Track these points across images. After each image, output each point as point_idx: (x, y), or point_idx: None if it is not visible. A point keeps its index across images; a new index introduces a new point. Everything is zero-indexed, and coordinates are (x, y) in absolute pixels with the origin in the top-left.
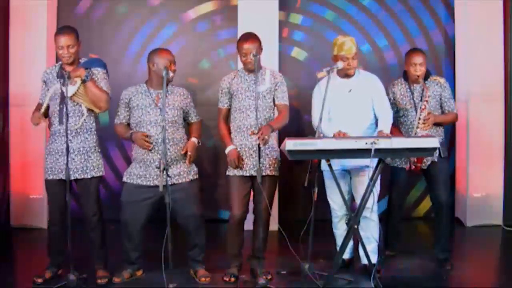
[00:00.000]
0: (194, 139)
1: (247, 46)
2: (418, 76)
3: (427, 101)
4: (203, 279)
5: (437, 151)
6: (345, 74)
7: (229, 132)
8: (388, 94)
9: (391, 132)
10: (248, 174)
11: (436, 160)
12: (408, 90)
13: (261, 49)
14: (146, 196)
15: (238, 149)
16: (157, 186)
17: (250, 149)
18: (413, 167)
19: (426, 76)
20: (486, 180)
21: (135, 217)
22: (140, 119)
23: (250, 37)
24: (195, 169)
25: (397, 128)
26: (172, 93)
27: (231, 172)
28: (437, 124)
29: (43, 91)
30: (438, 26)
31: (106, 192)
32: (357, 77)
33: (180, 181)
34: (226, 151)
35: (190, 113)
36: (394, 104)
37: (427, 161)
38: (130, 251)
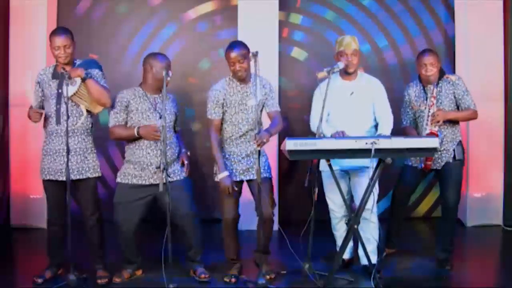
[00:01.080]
0: (184, 150)
1: (234, 54)
2: (429, 77)
3: (434, 97)
4: (202, 275)
5: (452, 152)
6: (345, 72)
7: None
8: (405, 97)
9: (407, 132)
10: (238, 179)
11: (450, 161)
12: (422, 91)
13: (250, 57)
14: (140, 196)
15: (227, 157)
16: (152, 185)
17: (239, 155)
18: (423, 165)
19: (441, 76)
20: (486, 180)
21: (128, 218)
22: (139, 123)
23: (237, 45)
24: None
25: (414, 128)
26: (168, 98)
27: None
28: (452, 123)
29: (38, 92)
30: (438, 26)
31: (106, 191)
32: (359, 80)
33: (175, 178)
34: (219, 177)
35: (178, 119)
36: (410, 106)
37: (442, 161)
38: (127, 251)
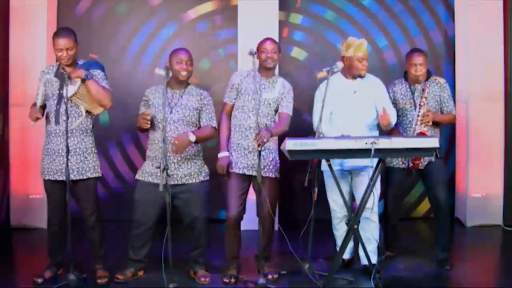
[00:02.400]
0: (189, 133)
1: (267, 43)
2: (419, 76)
3: (426, 97)
4: (202, 279)
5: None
6: (358, 76)
7: (229, 134)
8: (389, 94)
9: (391, 132)
10: (241, 172)
11: (432, 160)
12: (409, 90)
13: (280, 55)
14: (158, 195)
15: (234, 148)
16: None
17: (246, 149)
18: (411, 164)
19: (427, 77)
20: (486, 180)
21: (147, 216)
22: (154, 117)
23: (270, 38)
24: (207, 170)
25: (395, 127)
26: (188, 93)
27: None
28: (434, 124)
29: (40, 91)
30: (438, 26)
31: (106, 191)
32: (362, 79)
33: (190, 181)
34: (219, 156)
35: (202, 114)
36: (394, 104)
37: (424, 161)
38: (138, 249)
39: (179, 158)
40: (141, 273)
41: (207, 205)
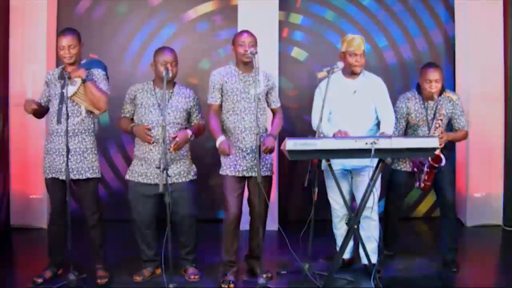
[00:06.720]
0: (188, 131)
1: (246, 36)
2: (434, 94)
3: (441, 120)
4: (192, 277)
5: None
6: (351, 72)
7: (219, 123)
8: (402, 108)
9: None
10: (241, 175)
11: None
12: (423, 106)
13: (257, 49)
14: (148, 194)
15: (232, 152)
16: (157, 185)
17: (244, 151)
18: (422, 185)
19: (440, 91)
20: (486, 180)
21: (145, 214)
22: (142, 118)
23: (249, 31)
24: (195, 169)
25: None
26: (177, 94)
27: (224, 171)
28: None
29: (45, 92)
30: (438, 26)
31: (106, 191)
32: (362, 79)
33: (179, 180)
34: (217, 143)
35: (192, 114)
36: (406, 118)
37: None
38: (146, 249)
39: (170, 159)
40: (159, 271)
41: (195, 204)
